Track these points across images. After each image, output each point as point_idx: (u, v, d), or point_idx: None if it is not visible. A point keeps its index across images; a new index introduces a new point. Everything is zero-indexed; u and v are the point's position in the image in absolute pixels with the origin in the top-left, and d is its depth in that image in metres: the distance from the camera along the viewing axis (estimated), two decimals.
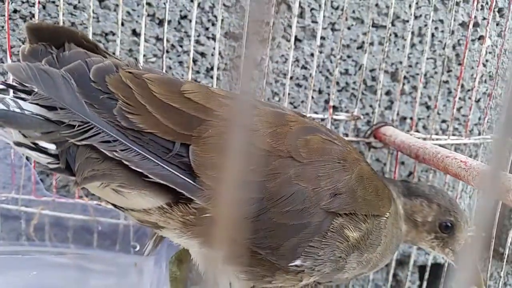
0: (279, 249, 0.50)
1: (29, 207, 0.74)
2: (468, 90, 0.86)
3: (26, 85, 0.42)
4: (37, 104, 0.42)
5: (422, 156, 0.59)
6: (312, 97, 0.81)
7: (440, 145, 0.63)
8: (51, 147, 0.43)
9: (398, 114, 0.84)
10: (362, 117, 0.79)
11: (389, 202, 0.59)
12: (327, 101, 0.81)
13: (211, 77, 0.71)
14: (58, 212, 0.74)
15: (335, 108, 0.82)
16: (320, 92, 0.81)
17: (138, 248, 0.72)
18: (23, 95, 0.43)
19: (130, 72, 0.46)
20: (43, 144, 0.43)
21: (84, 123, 0.42)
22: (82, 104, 0.43)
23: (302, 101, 0.80)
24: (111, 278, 0.68)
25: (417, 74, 0.82)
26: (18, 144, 0.43)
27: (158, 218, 0.48)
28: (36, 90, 0.42)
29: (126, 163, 0.43)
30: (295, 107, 0.81)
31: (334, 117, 0.77)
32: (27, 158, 0.74)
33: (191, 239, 0.49)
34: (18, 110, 0.41)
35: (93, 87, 0.44)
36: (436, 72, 0.84)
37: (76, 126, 0.42)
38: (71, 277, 0.67)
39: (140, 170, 0.43)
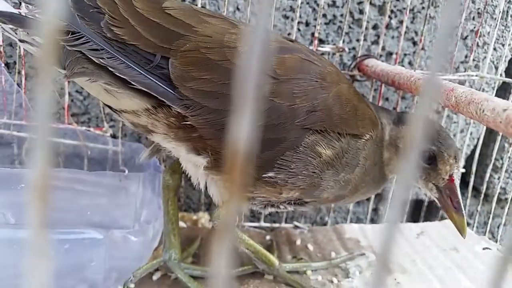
0: (254, 160, 0.53)
1: (21, 132, 0.77)
2: (455, 27, 0.86)
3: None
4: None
5: (397, 82, 0.60)
6: (299, 29, 0.81)
7: None
8: None
9: (384, 48, 0.84)
10: (347, 49, 0.80)
11: (371, 125, 0.60)
12: (314, 34, 0.81)
13: (196, 5, 0.72)
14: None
15: (321, 41, 0.82)
16: (307, 24, 0.81)
17: (126, 172, 0.75)
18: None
19: None
20: (39, 39, 0.49)
21: (76, 33, 0.48)
22: (75, 17, 0.49)
23: (289, 34, 0.80)
24: (101, 198, 0.72)
25: (404, 8, 0.82)
26: (22, 41, 0.51)
27: (146, 120, 0.53)
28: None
29: (111, 69, 0.48)
30: None
31: (319, 49, 0.78)
32: (18, 85, 0.76)
33: (178, 144, 0.54)
34: (30, 16, 0.50)
35: (85, 3, 0.50)
36: (423, 7, 0.84)
37: (70, 34, 0.48)
38: (63, 196, 0.71)
39: (124, 77, 0.48)
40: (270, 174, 0.55)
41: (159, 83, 0.49)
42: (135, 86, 0.49)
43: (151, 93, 0.49)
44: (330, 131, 0.55)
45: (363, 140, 0.59)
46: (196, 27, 0.51)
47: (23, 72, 0.76)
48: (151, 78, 0.49)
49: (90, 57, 0.48)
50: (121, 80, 0.49)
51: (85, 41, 0.48)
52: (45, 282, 0.15)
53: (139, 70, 0.49)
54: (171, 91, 0.49)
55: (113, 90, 0.51)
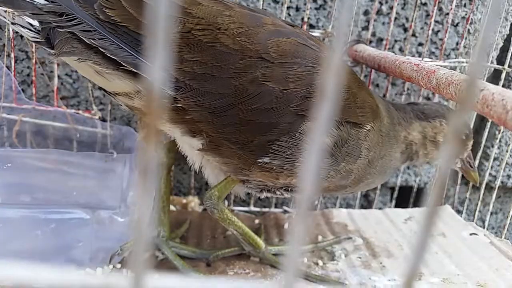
0: (248, 144, 0.53)
1: (11, 115, 0.77)
2: (446, 14, 0.86)
3: None
4: None
5: (383, 66, 0.60)
6: (289, 14, 0.81)
7: None
8: (36, 23, 0.50)
9: (374, 34, 0.84)
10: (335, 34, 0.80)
11: (372, 114, 0.59)
12: (303, 19, 0.81)
13: None
14: (38, 120, 0.77)
15: (312, 26, 0.82)
16: (297, 9, 0.81)
17: (115, 155, 0.75)
18: None
19: None
20: (29, 20, 0.50)
21: (69, 14, 0.49)
22: None
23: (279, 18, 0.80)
24: (88, 180, 0.72)
25: None
26: (14, 23, 0.51)
27: (139, 102, 0.54)
28: None
29: (103, 50, 0.49)
30: None
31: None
32: (7, 67, 0.76)
33: (172, 126, 0.55)
34: None
35: None
36: None
37: (64, 16, 0.49)
38: (50, 177, 0.71)
39: (115, 58, 0.49)
40: (265, 159, 0.54)
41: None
42: (125, 67, 0.49)
43: (141, 74, 0.49)
44: None
45: (365, 130, 0.58)
46: (189, 8, 0.51)
47: (12, 55, 0.76)
48: (142, 59, 0.49)
49: (82, 38, 0.48)
50: (111, 60, 0.49)
51: (78, 23, 0.49)
52: None
53: (130, 51, 0.49)
54: None
55: (102, 71, 0.51)
